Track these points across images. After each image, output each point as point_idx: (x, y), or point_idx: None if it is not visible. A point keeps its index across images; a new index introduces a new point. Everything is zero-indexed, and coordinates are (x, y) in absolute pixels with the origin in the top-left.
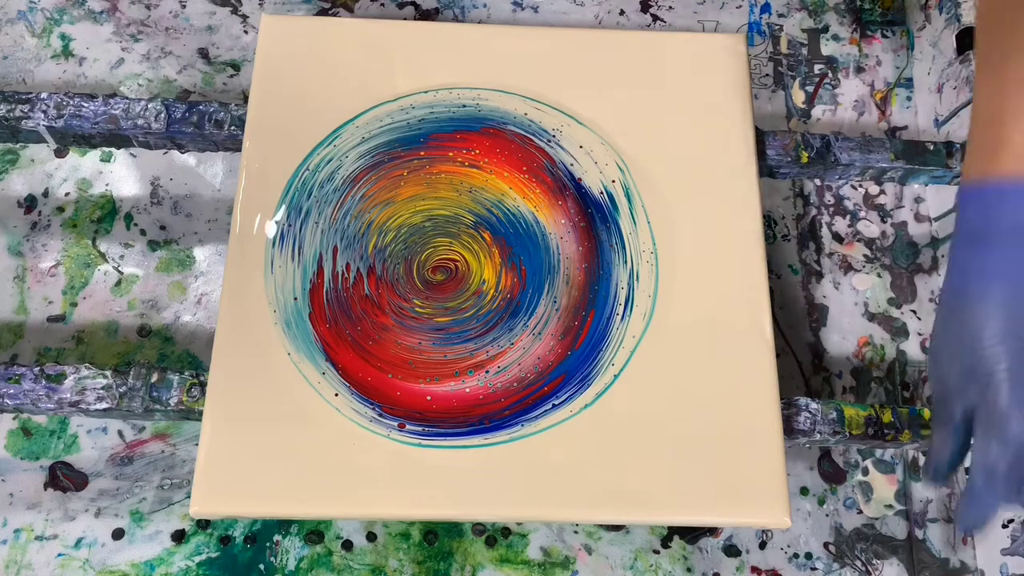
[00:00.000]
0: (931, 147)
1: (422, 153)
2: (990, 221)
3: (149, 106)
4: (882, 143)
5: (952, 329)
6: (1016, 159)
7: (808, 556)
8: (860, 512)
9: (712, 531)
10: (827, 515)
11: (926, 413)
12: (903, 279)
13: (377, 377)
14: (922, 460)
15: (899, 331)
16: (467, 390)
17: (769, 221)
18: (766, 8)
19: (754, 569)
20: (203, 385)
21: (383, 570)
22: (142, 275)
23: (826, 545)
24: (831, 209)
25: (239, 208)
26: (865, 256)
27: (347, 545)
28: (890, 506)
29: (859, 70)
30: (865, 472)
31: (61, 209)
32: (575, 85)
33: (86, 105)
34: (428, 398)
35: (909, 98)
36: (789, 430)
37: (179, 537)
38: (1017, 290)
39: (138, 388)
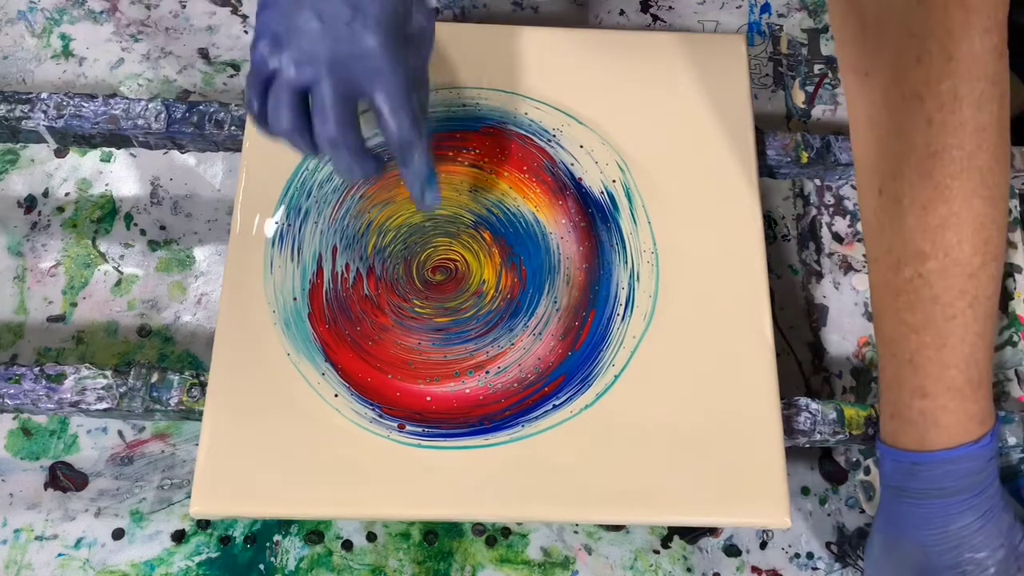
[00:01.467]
0: None
1: None
2: (902, 480)
3: (149, 106)
4: None
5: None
6: (918, 439)
7: (810, 556)
8: (863, 512)
9: (712, 531)
10: (828, 515)
11: None
12: None
13: (377, 378)
14: None
15: None
16: (467, 391)
17: (769, 221)
18: (766, 8)
19: (754, 569)
20: (203, 385)
21: (383, 570)
22: (142, 275)
23: (828, 545)
24: (831, 209)
25: (239, 208)
26: (865, 256)
27: (347, 545)
28: None
29: None
30: (867, 471)
31: (61, 209)
32: (575, 85)
33: (86, 105)
34: (428, 399)
35: None
36: (789, 430)
37: (179, 537)
38: (927, 539)
39: (138, 388)
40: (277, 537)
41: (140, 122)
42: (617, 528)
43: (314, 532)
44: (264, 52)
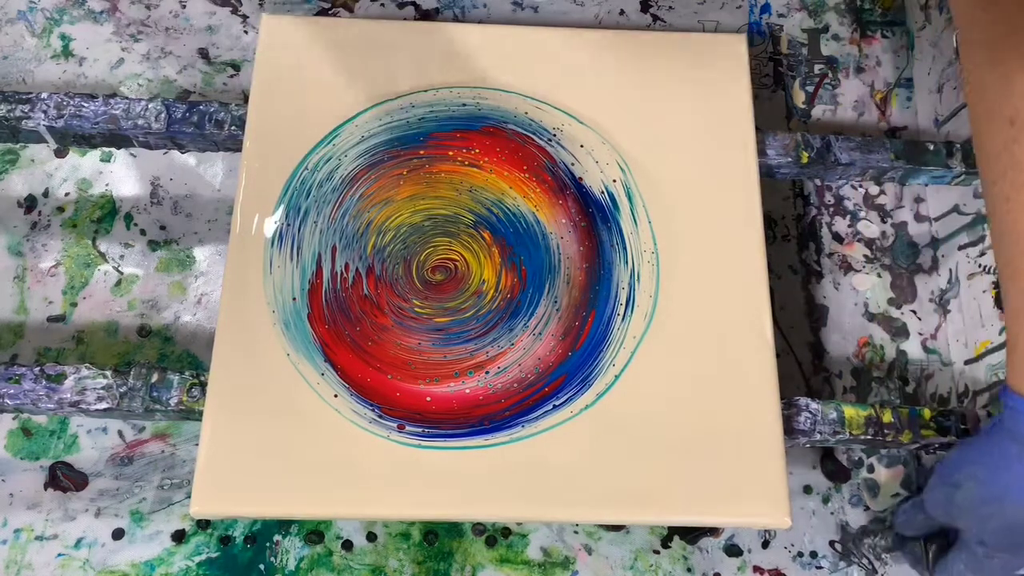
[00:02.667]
0: (931, 147)
1: (422, 152)
2: None
3: (149, 106)
4: (882, 143)
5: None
6: None
7: (813, 555)
8: (867, 509)
9: (713, 531)
10: (832, 513)
11: (926, 413)
12: (903, 279)
13: (376, 378)
14: (924, 455)
15: (899, 331)
16: (467, 391)
17: (769, 221)
18: (766, 8)
19: (756, 568)
20: (203, 385)
21: (383, 570)
22: (142, 275)
23: (831, 543)
24: (831, 209)
25: (239, 208)
26: (865, 256)
27: (347, 545)
28: (896, 495)
29: (859, 70)
30: (871, 469)
31: (61, 209)
32: (575, 85)
33: (86, 105)
34: (428, 399)
35: (909, 98)
36: (789, 430)
37: (179, 537)
38: None
39: (138, 388)
40: (277, 537)
41: (140, 122)
42: (617, 528)
43: (314, 532)
44: None
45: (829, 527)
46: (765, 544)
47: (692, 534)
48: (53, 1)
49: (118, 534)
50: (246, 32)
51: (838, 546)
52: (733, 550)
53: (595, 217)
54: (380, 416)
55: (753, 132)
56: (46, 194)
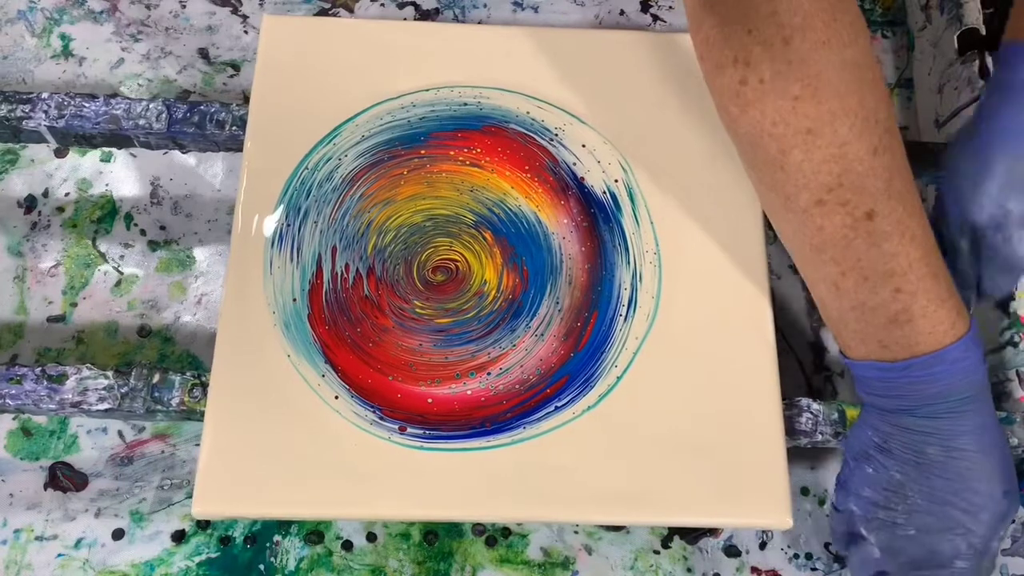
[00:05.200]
0: (932, 148)
1: (422, 152)
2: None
3: (150, 106)
4: None
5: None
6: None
7: (808, 556)
8: None
9: (712, 531)
10: (827, 515)
11: None
12: None
13: (377, 379)
14: None
15: None
16: (468, 392)
17: (770, 221)
18: None
19: (754, 569)
20: (204, 386)
21: (383, 570)
22: (142, 275)
23: (827, 545)
24: None
25: (240, 208)
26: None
27: (347, 545)
28: None
29: None
30: None
31: (61, 209)
32: (576, 85)
33: (87, 105)
34: (429, 400)
35: (910, 99)
36: (791, 431)
37: (179, 537)
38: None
39: (140, 389)
40: (277, 537)
41: (141, 122)
42: (617, 528)
43: (314, 532)
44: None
45: (825, 529)
46: (763, 545)
47: (692, 534)
48: (53, 1)
49: (118, 534)
50: (246, 32)
51: (832, 548)
52: (732, 551)
53: (597, 217)
54: (381, 418)
55: None
56: (46, 194)
